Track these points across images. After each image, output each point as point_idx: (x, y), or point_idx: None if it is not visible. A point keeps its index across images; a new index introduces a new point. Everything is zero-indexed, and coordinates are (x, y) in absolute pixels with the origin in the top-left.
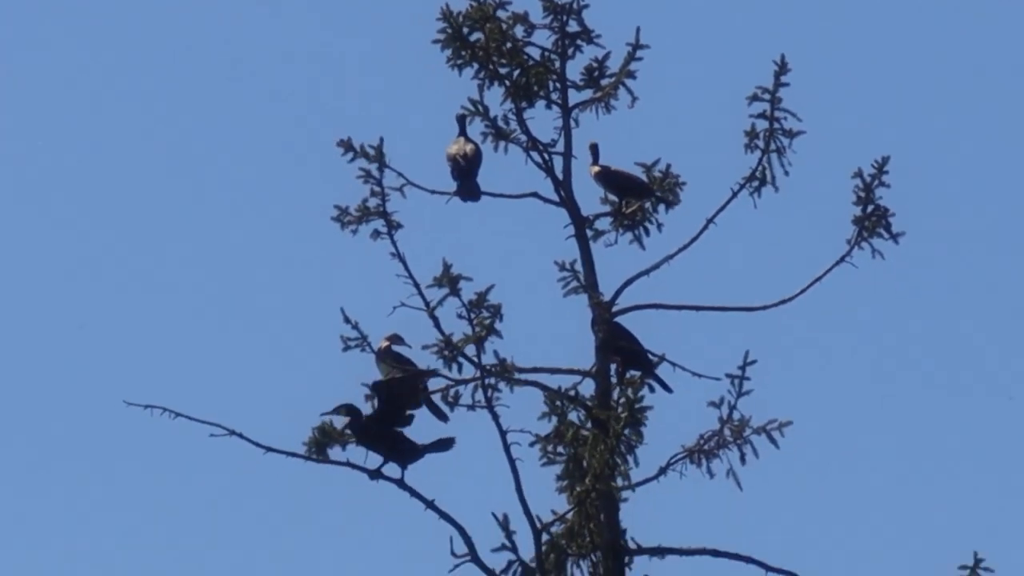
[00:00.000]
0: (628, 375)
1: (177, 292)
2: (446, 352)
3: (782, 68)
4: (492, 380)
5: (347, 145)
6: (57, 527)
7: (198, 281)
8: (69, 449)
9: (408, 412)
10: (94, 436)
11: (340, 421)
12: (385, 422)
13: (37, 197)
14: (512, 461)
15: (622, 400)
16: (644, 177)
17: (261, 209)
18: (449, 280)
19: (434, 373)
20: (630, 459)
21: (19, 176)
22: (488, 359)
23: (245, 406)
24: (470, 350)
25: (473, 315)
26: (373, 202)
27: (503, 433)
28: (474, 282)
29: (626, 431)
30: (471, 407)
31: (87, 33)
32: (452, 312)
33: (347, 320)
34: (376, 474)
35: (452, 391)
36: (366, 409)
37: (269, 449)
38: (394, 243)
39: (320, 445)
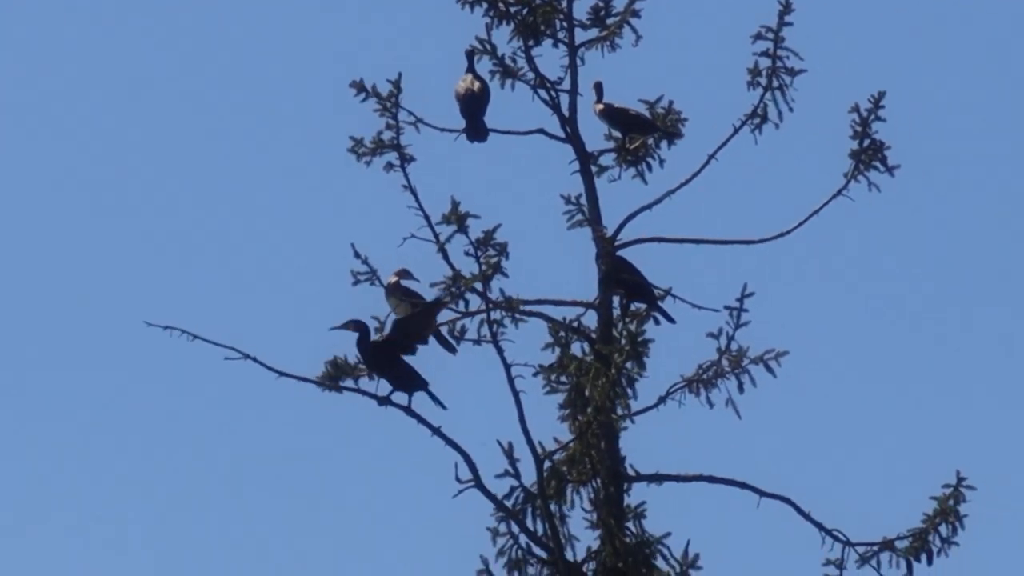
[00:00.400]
0: (631, 308)
1: (196, 219)
2: (453, 288)
3: (786, 8)
4: (497, 315)
5: (359, 86)
6: (71, 445)
7: (214, 209)
8: (87, 368)
9: (416, 345)
10: (113, 355)
11: (348, 338)
12: (391, 350)
13: (46, 110)
14: (516, 392)
15: (624, 333)
16: (647, 114)
17: (276, 144)
18: (457, 218)
19: (446, 304)
20: (630, 391)
21: (22, 96)
22: (493, 295)
23: (258, 336)
24: (477, 287)
25: (480, 253)
26: (387, 135)
27: (507, 366)
28: (482, 220)
29: (628, 364)
30: (476, 341)
31: None
32: (459, 249)
33: (357, 255)
34: (385, 400)
35: (459, 324)
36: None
37: (282, 374)
38: (406, 175)
39: (333, 379)
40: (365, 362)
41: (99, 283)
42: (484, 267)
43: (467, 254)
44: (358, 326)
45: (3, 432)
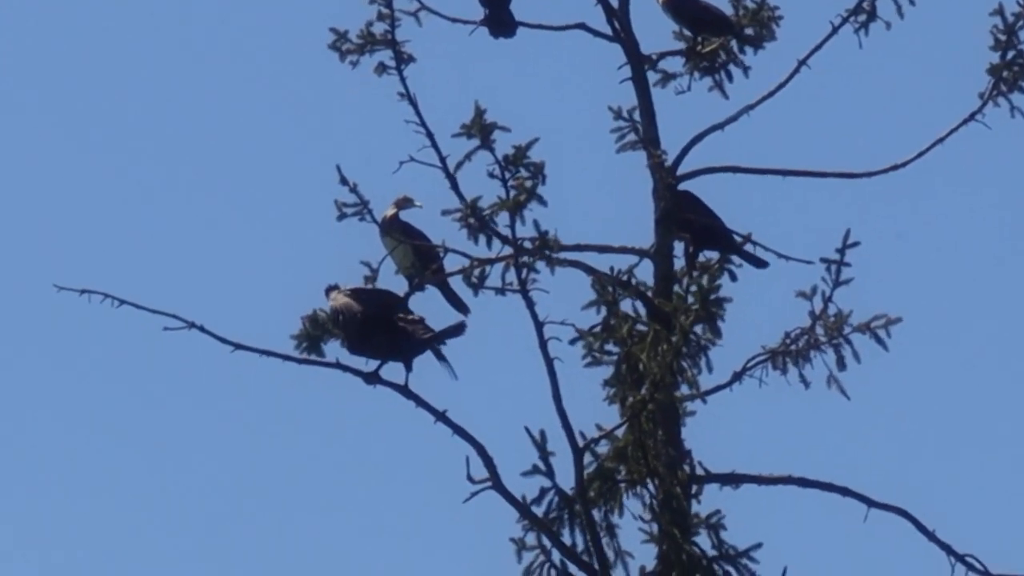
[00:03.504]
0: (700, 257)
1: (123, 143)
2: (471, 220)
3: None
4: (528, 258)
5: None
6: None
7: (148, 128)
8: None
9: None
10: (18, 326)
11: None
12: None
13: None
14: (549, 360)
15: (693, 289)
16: (728, 9)
17: (233, 36)
18: (481, 129)
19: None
20: (701, 362)
21: None
22: (525, 232)
23: (211, 293)
24: (502, 220)
25: (509, 174)
26: (380, 27)
27: (539, 325)
28: (512, 134)
29: (697, 328)
30: (500, 290)
31: None
32: (477, 172)
33: (344, 181)
34: (374, 378)
35: (477, 271)
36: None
37: (238, 346)
38: (403, 80)
39: (312, 339)
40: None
41: None
42: (515, 192)
43: (492, 175)
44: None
45: None
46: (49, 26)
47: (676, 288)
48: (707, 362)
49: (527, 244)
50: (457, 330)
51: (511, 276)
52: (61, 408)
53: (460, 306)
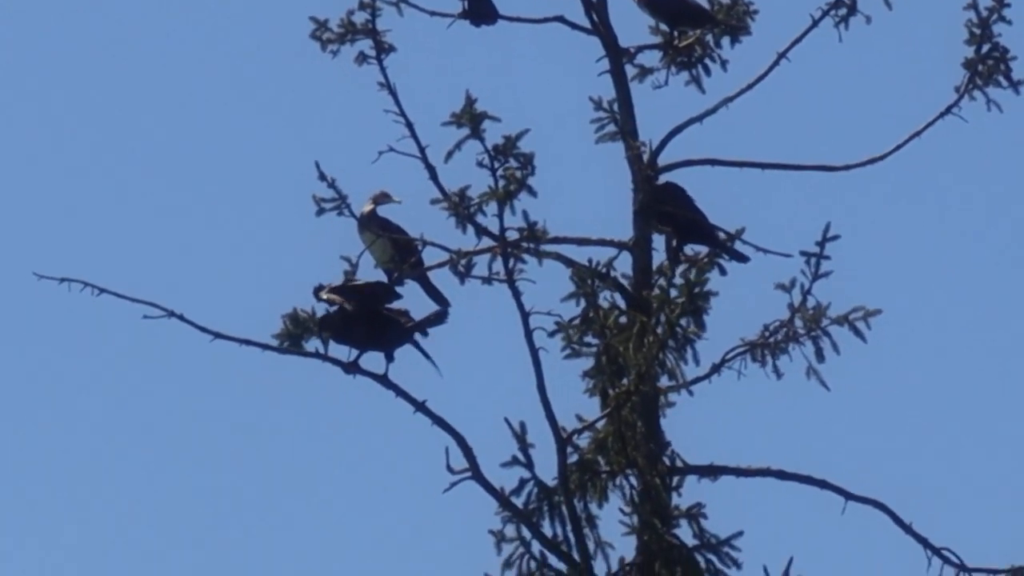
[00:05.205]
0: (684, 250)
1: (102, 134)
2: (459, 210)
3: None
4: (516, 249)
5: None
6: None
7: (126, 119)
8: None
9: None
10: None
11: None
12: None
13: None
14: (534, 350)
15: (679, 282)
16: (704, 1)
17: (210, 25)
18: (471, 118)
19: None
20: (687, 354)
21: None
22: (514, 223)
23: (191, 285)
24: (489, 210)
25: (499, 164)
26: (360, 16)
27: (525, 315)
28: (499, 124)
29: (682, 320)
30: (487, 279)
31: None
32: (461, 163)
33: (322, 176)
34: (353, 368)
35: (463, 260)
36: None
37: (217, 335)
38: (383, 70)
39: (293, 338)
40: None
41: None
42: (507, 182)
43: (481, 165)
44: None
45: None
46: (18, 20)
47: (660, 281)
48: (694, 355)
49: (513, 235)
50: (439, 318)
51: (498, 266)
52: (39, 397)
53: (440, 300)
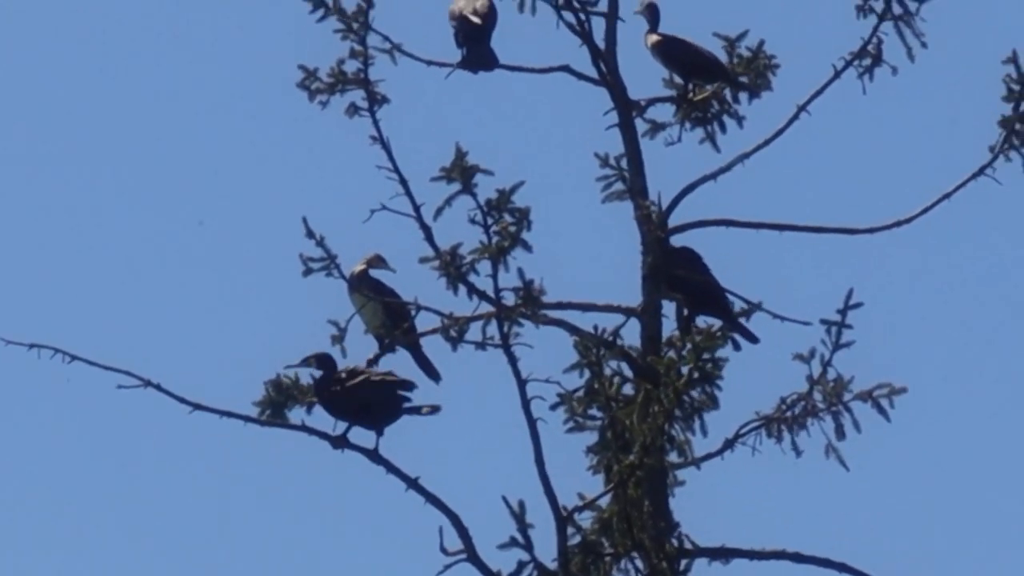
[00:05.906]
0: (695, 320)
1: (79, 190)
2: (450, 269)
3: None
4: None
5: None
6: None
7: (104, 175)
8: None
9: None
10: None
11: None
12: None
13: None
14: (532, 421)
15: (687, 349)
16: (722, 55)
17: (196, 73)
18: (462, 172)
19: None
20: (695, 425)
21: None
22: (509, 281)
23: (169, 352)
24: (484, 271)
25: (492, 220)
26: (352, 65)
27: (522, 383)
28: (493, 178)
29: (693, 392)
30: (480, 345)
31: None
32: (455, 220)
33: (310, 234)
34: (341, 442)
35: (455, 326)
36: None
37: (196, 407)
38: (376, 122)
39: (276, 406)
40: (325, 407)
41: None
42: (500, 238)
43: (473, 221)
44: (322, 362)
45: None
46: None
47: (670, 353)
48: (702, 425)
49: (509, 297)
50: (433, 410)
51: (492, 330)
52: (8, 467)
53: (431, 371)
